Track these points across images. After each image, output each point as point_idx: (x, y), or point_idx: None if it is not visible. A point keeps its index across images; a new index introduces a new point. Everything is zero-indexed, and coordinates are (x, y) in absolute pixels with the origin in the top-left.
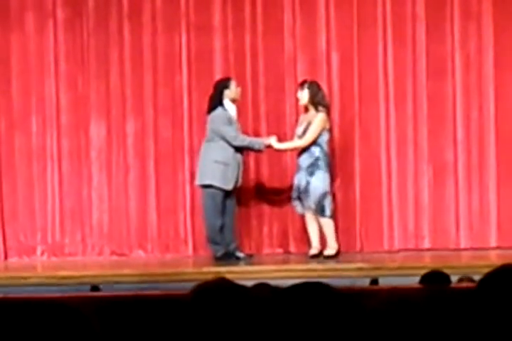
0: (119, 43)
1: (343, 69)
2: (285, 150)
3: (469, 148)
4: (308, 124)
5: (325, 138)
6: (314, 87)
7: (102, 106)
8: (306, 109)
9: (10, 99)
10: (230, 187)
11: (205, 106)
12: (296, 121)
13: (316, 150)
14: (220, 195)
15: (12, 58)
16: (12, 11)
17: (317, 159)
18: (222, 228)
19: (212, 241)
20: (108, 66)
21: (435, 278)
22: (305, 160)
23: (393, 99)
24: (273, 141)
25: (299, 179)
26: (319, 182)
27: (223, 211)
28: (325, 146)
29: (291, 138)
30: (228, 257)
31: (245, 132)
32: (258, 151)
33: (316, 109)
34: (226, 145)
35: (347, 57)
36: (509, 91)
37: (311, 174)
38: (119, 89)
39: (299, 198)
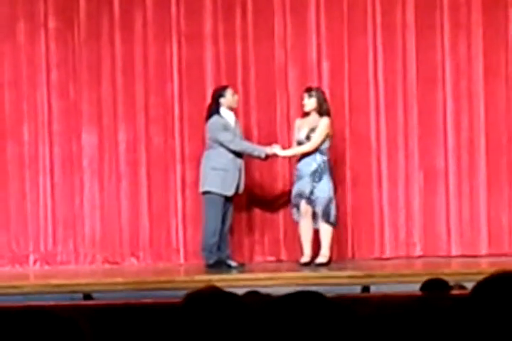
0: (111, 52)
1: (333, 77)
2: (291, 157)
3: (460, 155)
4: (312, 129)
5: (327, 144)
6: (321, 95)
7: (93, 115)
8: (305, 114)
9: (2, 107)
10: (230, 192)
11: (197, 114)
12: (288, 128)
13: (319, 157)
14: (220, 202)
15: (4, 67)
16: (3, 20)
17: (321, 165)
18: (220, 236)
19: (207, 248)
20: (99, 75)
21: (435, 286)
22: (308, 166)
23: (384, 106)
24: (277, 149)
25: (302, 186)
26: (325, 188)
27: (224, 218)
28: (327, 153)
29: (285, 145)
30: (220, 265)
31: None
32: (258, 158)
33: (321, 116)
34: (225, 151)
35: (337, 65)
36: (499, 99)
37: (318, 180)
38: (111, 97)
39: (297, 206)
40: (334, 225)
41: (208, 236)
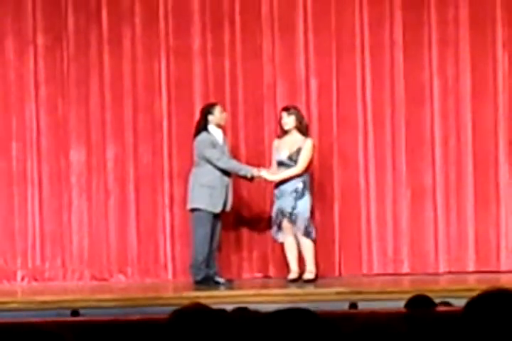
0: (99, 68)
1: (321, 95)
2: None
3: (447, 173)
4: (298, 150)
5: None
6: (298, 112)
7: (82, 131)
8: (283, 134)
9: None
10: (218, 210)
11: (185, 130)
12: None
13: (303, 175)
14: (208, 219)
15: None
16: None
17: (304, 183)
18: (208, 253)
19: (195, 265)
20: (88, 91)
21: (420, 303)
22: (291, 185)
23: (371, 124)
24: (264, 173)
25: (283, 204)
26: (306, 206)
27: (212, 235)
28: (309, 170)
29: (270, 164)
30: (208, 281)
31: None
32: (244, 178)
33: (303, 134)
34: (212, 168)
35: (326, 82)
36: (486, 117)
37: (300, 198)
38: (99, 114)
39: (279, 224)
40: (315, 241)
41: (196, 253)
